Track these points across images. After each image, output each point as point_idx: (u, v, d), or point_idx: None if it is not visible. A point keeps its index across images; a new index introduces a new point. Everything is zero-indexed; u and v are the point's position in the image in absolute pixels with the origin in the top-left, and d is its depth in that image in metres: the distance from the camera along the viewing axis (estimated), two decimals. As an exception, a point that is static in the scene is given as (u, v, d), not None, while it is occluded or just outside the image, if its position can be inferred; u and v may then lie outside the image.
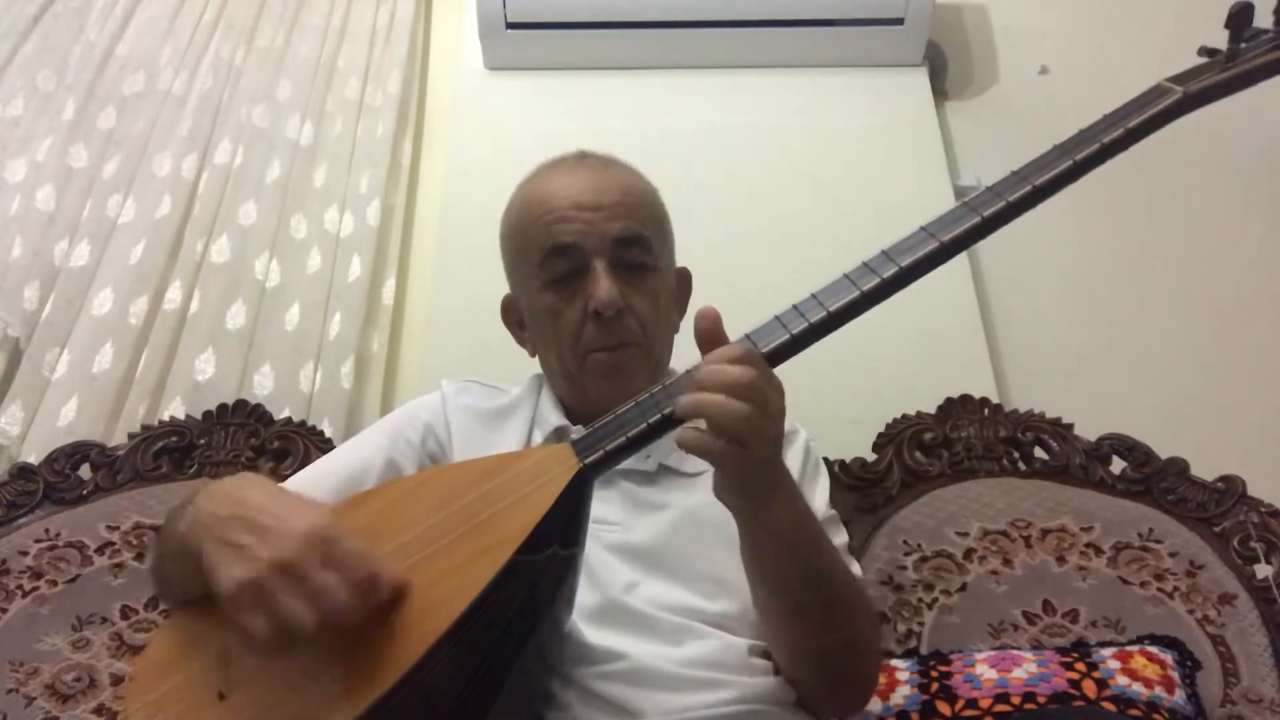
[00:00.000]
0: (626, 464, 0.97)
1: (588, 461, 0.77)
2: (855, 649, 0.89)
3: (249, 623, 0.65)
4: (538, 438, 1.05)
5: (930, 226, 0.77)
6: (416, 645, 0.66)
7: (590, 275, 0.99)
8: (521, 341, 1.13)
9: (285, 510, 0.69)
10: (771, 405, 0.74)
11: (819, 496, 1.06)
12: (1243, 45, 0.78)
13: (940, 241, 0.76)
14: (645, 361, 1.02)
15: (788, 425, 1.09)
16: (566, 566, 0.78)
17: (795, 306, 0.77)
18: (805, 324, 0.76)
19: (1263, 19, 0.79)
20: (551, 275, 1.00)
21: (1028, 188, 0.76)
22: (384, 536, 0.73)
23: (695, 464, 1.03)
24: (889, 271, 0.76)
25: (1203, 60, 0.79)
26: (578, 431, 0.93)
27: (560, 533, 0.74)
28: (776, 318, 0.77)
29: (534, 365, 1.16)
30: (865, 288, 0.76)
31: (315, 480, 1.00)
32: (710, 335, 0.76)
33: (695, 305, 1.14)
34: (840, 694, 0.92)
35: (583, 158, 1.08)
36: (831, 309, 0.76)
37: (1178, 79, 0.78)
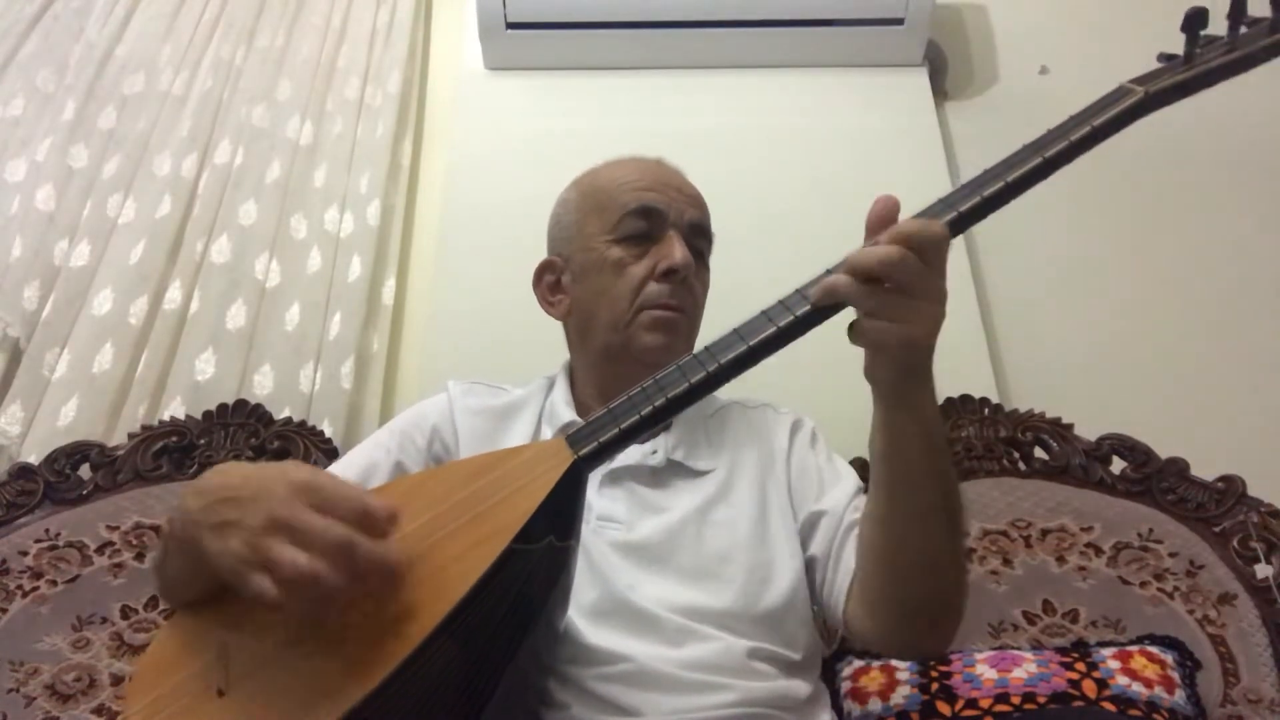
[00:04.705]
0: (633, 460, 0.99)
1: (581, 453, 0.77)
2: (962, 565, 0.89)
3: (255, 588, 0.64)
4: (547, 433, 1.06)
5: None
6: (414, 635, 0.66)
7: (666, 240, 1.05)
8: (549, 305, 1.14)
9: (263, 477, 0.69)
10: (944, 271, 0.75)
11: (845, 472, 1.06)
12: (1198, 50, 0.81)
13: None
14: (689, 335, 1.07)
15: (793, 415, 1.11)
16: (562, 559, 0.78)
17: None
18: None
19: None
20: (627, 232, 1.06)
21: (1000, 184, 0.78)
22: None
23: (704, 460, 1.04)
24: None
25: (1162, 64, 0.83)
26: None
27: (556, 523, 0.75)
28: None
29: (536, 365, 1.16)
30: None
31: None
32: (887, 216, 0.76)
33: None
34: (942, 619, 0.88)
35: (662, 160, 1.14)
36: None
37: (1139, 80, 0.82)
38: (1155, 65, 0.83)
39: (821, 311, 0.77)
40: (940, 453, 0.83)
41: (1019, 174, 0.78)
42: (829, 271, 0.77)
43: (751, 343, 0.77)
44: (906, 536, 0.84)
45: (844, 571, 0.95)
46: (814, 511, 1.01)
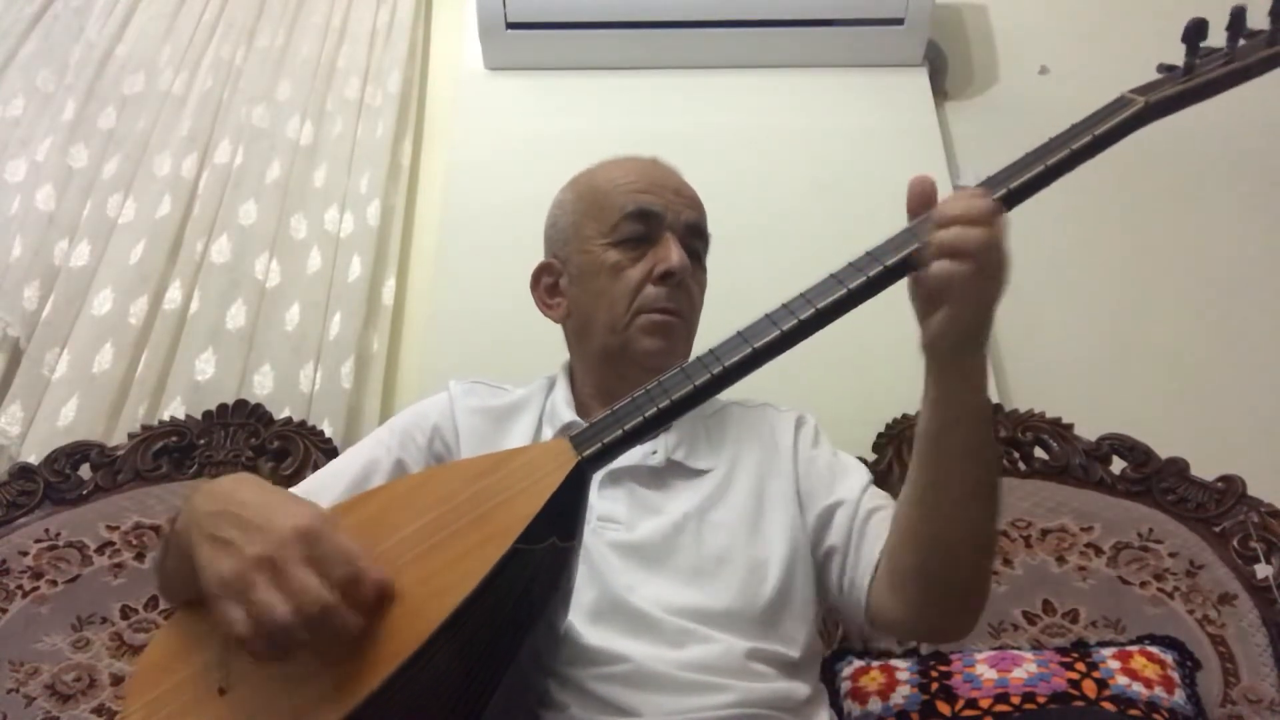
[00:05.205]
0: (633, 461, 0.99)
1: (585, 455, 0.77)
2: (995, 544, 0.92)
3: (229, 616, 0.65)
4: (547, 433, 1.06)
5: (913, 228, 0.80)
6: (416, 635, 0.66)
7: (662, 243, 1.05)
8: (547, 307, 1.14)
9: (274, 507, 0.69)
10: (1005, 245, 0.77)
11: (853, 465, 1.06)
12: (1198, 61, 0.82)
13: (923, 240, 0.78)
14: (686, 338, 1.07)
15: (795, 412, 1.11)
16: (564, 560, 0.78)
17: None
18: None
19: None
20: (624, 235, 1.06)
21: (1002, 191, 0.79)
22: (385, 531, 0.73)
23: (704, 460, 1.04)
24: (874, 270, 0.78)
25: (1162, 75, 0.84)
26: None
27: (559, 524, 0.75)
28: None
29: (536, 365, 1.16)
30: (851, 285, 0.78)
31: (327, 483, 1.00)
32: (927, 195, 0.79)
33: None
34: (975, 598, 0.89)
35: (657, 160, 1.14)
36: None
37: (1140, 90, 0.83)
38: (1154, 69, 0.84)
39: (827, 314, 0.77)
40: (988, 425, 0.84)
41: (1020, 182, 0.79)
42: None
43: (755, 345, 0.77)
44: (955, 513, 0.84)
45: (866, 558, 0.94)
46: (829, 504, 1.00)
